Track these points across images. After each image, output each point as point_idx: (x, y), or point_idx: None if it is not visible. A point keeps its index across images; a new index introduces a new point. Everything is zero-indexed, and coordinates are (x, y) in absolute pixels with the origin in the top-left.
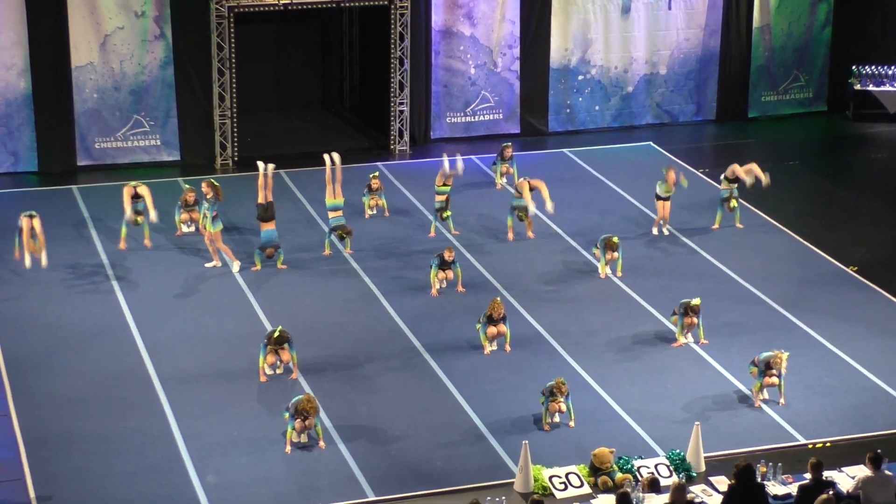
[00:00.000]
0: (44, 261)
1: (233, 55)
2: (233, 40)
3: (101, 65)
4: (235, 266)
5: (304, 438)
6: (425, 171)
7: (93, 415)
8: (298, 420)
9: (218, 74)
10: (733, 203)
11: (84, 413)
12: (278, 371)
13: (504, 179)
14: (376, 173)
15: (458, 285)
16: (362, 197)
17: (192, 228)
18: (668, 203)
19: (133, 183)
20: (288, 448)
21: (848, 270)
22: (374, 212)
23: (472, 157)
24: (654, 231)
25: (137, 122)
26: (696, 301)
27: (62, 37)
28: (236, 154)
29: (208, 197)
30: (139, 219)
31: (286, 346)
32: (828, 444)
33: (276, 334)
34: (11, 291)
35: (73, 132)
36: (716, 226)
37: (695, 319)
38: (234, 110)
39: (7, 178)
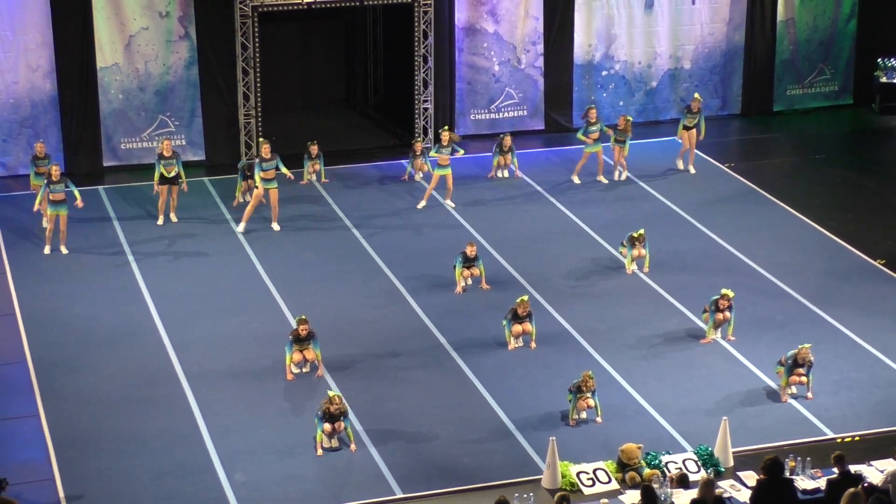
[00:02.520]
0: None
1: (257, 55)
2: (257, 40)
3: (126, 65)
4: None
5: (335, 443)
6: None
7: (121, 414)
8: (328, 424)
9: (242, 74)
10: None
11: (112, 412)
12: (305, 370)
13: (506, 172)
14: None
15: (482, 282)
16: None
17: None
18: (694, 132)
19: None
20: (319, 451)
21: (875, 264)
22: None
23: None
24: (680, 165)
25: (163, 122)
26: (725, 291)
27: (87, 38)
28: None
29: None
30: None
31: (310, 344)
32: (856, 438)
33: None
34: (39, 292)
35: (98, 133)
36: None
37: (727, 314)
38: (259, 110)
39: None
